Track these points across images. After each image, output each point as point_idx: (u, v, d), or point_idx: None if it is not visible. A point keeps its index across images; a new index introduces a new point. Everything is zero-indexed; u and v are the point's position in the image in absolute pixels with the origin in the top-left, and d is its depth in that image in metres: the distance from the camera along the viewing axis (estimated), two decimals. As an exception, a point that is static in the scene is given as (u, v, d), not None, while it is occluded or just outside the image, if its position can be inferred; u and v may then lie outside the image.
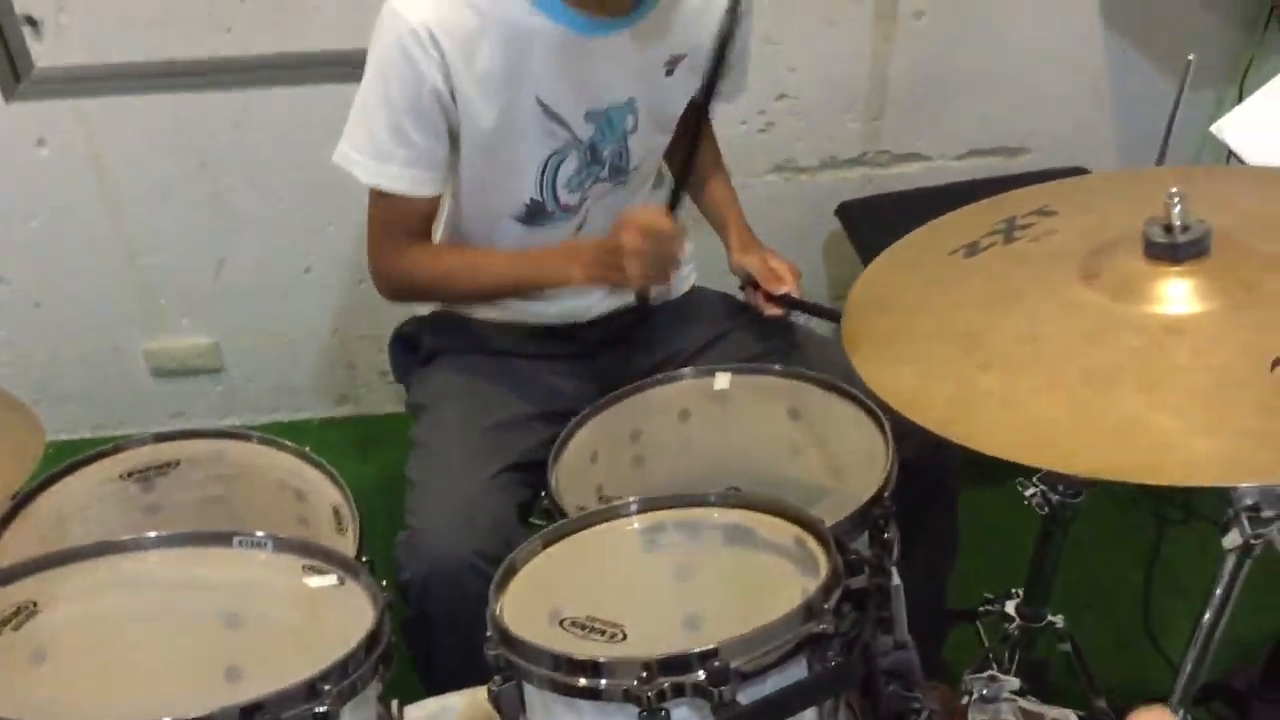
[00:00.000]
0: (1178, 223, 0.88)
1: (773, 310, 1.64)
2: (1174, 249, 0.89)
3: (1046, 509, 1.44)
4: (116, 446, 1.56)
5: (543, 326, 1.65)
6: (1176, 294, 0.89)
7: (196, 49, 2.02)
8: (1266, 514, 0.95)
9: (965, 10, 2.12)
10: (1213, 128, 1.47)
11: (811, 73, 2.17)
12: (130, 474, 1.56)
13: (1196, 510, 2.06)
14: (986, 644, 1.63)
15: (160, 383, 2.40)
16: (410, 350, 1.72)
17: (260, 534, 1.19)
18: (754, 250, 1.67)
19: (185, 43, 2.01)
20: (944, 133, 2.27)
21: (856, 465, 1.44)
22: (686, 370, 1.60)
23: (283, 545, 1.21)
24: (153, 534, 1.17)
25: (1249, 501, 0.96)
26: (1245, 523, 0.96)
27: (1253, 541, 0.97)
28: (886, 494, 1.36)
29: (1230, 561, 1.01)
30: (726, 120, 2.14)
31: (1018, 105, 2.24)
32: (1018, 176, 2.26)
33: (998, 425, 0.82)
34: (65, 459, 1.51)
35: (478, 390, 1.60)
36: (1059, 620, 1.53)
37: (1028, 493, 1.38)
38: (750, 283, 1.66)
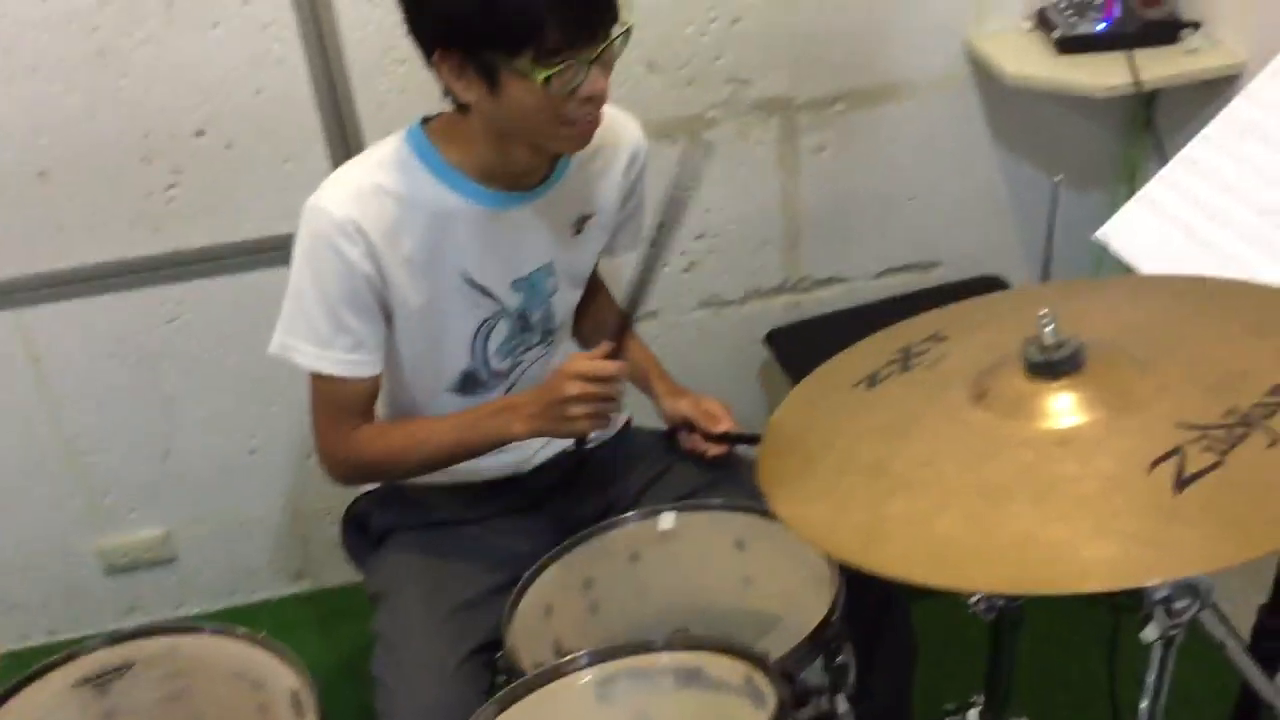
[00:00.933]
0: (1049, 342, 0.94)
1: (714, 450, 1.68)
2: (1051, 366, 0.95)
3: (992, 615, 1.47)
4: (68, 654, 1.55)
5: (485, 483, 1.67)
6: (1058, 408, 0.94)
7: (129, 250, 2.07)
8: (1179, 605, 0.99)
9: (861, 140, 2.23)
10: (1097, 234, 1.55)
11: (727, 211, 2.26)
12: (85, 680, 1.55)
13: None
14: (955, 755, 1.64)
15: (113, 579, 2.39)
16: (361, 532, 1.73)
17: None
18: (683, 394, 1.71)
19: (117, 245, 2.06)
20: (859, 254, 2.36)
21: (806, 590, 1.47)
22: (631, 514, 1.64)
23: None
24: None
25: (1160, 595, 1.00)
26: (1162, 615, 1.00)
27: (1170, 633, 1.00)
28: (834, 617, 1.39)
29: (1157, 652, 1.04)
30: (647, 263, 2.23)
31: (924, 222, 2.34)
32: (932, 290, 2.36)
33: (905, 550, 0.86)
34: (19, 670, 1.50)
35: (433, 570, 1.61)
36: (1024, 722, 1.54)
37: (971, 600, 1.41)
38: (684, 427, 1.71)
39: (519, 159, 1.47)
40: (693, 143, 1.59)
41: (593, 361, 1.41)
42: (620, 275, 2.00)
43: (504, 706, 1.24)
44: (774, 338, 2.29)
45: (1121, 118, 2.25)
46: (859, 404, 1.03)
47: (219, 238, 2.09)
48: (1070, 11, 2.08)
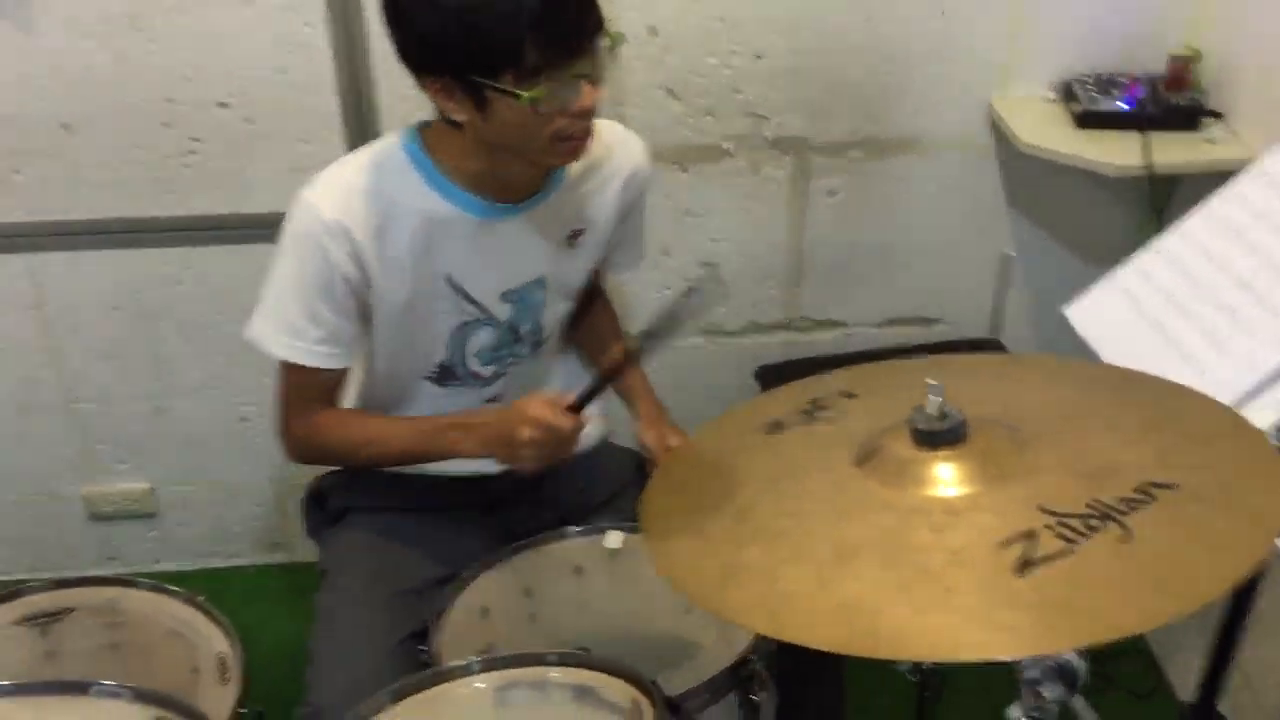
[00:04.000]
0: (933, 411, 0.95)
1: None
2: (931, 435, 0.95)
3: (918, 676, 1.46)
4: (13, 592, 1.60)
5: (449, 478, 1.68)
6: (930, 477, 0.94)
7: (141, 209, 2.13)
8: (1047, 694, 0.99)
9: (875, 189, 2.23)
10: (1064, 309, 1.54)
11: (732, 243, 2.27)
12: (26, 619, 1.60)
13: (1114, 679, 2.07)
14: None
15: (96, 526, 2.45)
16: (320, 508, 1.76)
17: (110, 684, 1.23)
18: (656, 425, 1.71)
19: (131, 203, 2.12)
20: (861, 301, 2.35)
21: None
22: (576, 528, 1.66)
23: (139, 695, 1.24)
24: (5, 682, 1.21)
25: (1030, 675, 1.00)
26: (1026, 697, 1.00)
27: (1034, 715, 1.00)
28: (753, 655, 1.40)
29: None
30: (651, 284, 2.25)
31: (929, 277, 2.33)
32: (929, 346, 2.35)
33: (750, 598, 0.87)
34: (9, 586, 1.56)
35: (381, 553, 1.63)
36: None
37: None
38: (653, 455, 1.71)
39: (512, 171, 1.48)
40: (708, 274, 1.58)
41: (553, 411, 1.41)
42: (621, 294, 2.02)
43: (399, 698, 1.26)
44: (763, 373, 2.29)
45: (1138, 198, 2.23)
46: (757, 448, 1.05)
47: (230, 208, 2.14)
48: (1094, 87, 2.07)
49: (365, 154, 1.51)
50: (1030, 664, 1.01)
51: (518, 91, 1.30)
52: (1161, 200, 2.15)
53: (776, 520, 0.94)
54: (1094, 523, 0.87)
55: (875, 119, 2.17)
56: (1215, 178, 1.92)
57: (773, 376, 2.29)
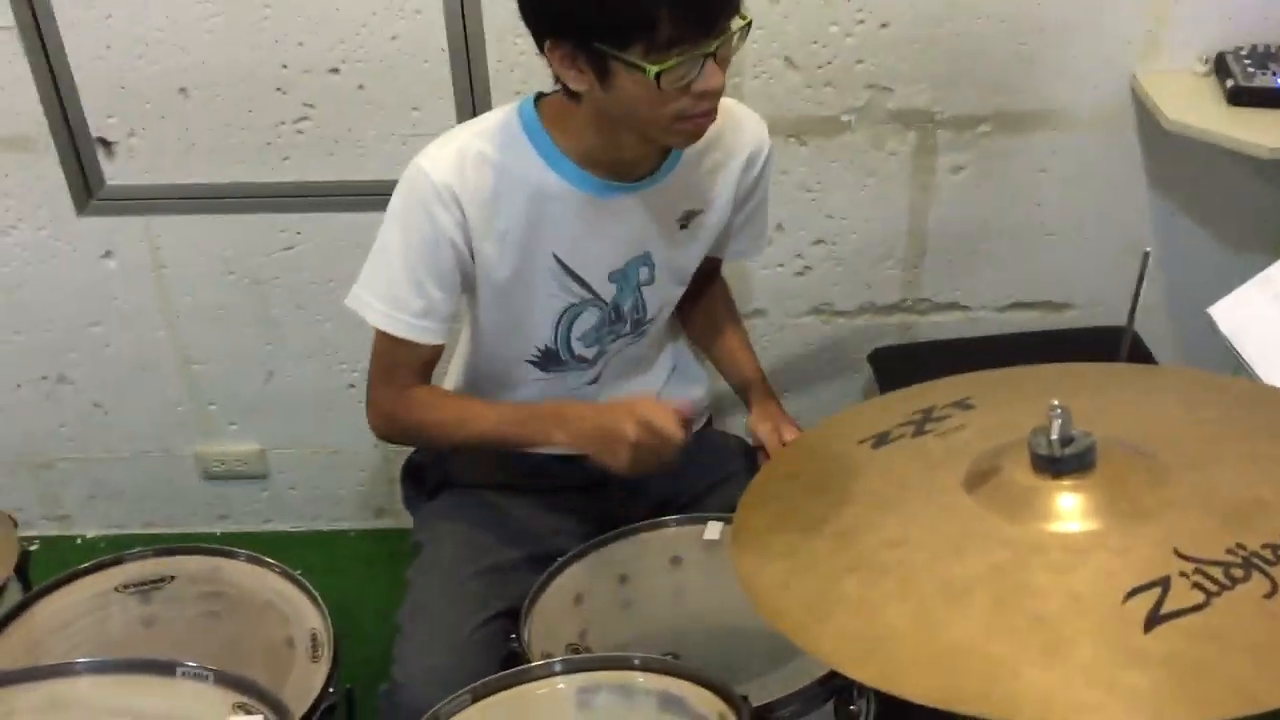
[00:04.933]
0: (1056, 436, 0.86)
1: None
2: (1054, 462, 0.87)
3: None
4: (116, 558, 1.63)
5: (547, 455, 1.65)
6: (1051, 510, 0.86)
7: (255, 174, 2.13)
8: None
9: (1004, 167, 2.11)
10: (1209, 310, 1.43)
11: (849, 220, 2.18)
12: (128, 585, 1.63)
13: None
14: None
15: (207, 485, 2.49)
16: (418, 482, 1.75)
17: (196, 665, 1.22)
18: (770, 418, 1.64)
19: (245, 168, 2.12)
20: (984, 284, 2.24)
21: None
22: (675, 517, 1.61)
23: (223, 680, 1.24)
24: (85, 660, 1.22)
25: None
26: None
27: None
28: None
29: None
30: (764, 261, 2.18)
31: (1060, 262, 2.20)
32: (1056, 334, 2.23)
33: (842, 634, 0.80)
34: (114, 553, 1.60)
35: (474, 531, 1.62)
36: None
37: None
38: (761, 447, 1.65)
39: (628, 149, 1.44)
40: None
41: (665, 417, 1.36)
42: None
43: (478, 698, 1.23)
44: (877, 357, 2.20)
45: (1297, 182, 2.07)
46: (859, 463, 0.97)
47: (342, 174, 2.12)
48: (1250, 61, 1.92)
49: (481, 122, 1.49)
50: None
51: (645, 65, 1.25)
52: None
53: (881, 550, 0.87)
54: (1236, 572, 0.78)
55: (1007, 92, 2.05)
56: (1383, 164, 1.78)
57: (888, 360, 2.20)
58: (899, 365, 2.17)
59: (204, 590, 1.64)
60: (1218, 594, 0.76)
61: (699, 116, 1.35)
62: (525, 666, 1.26)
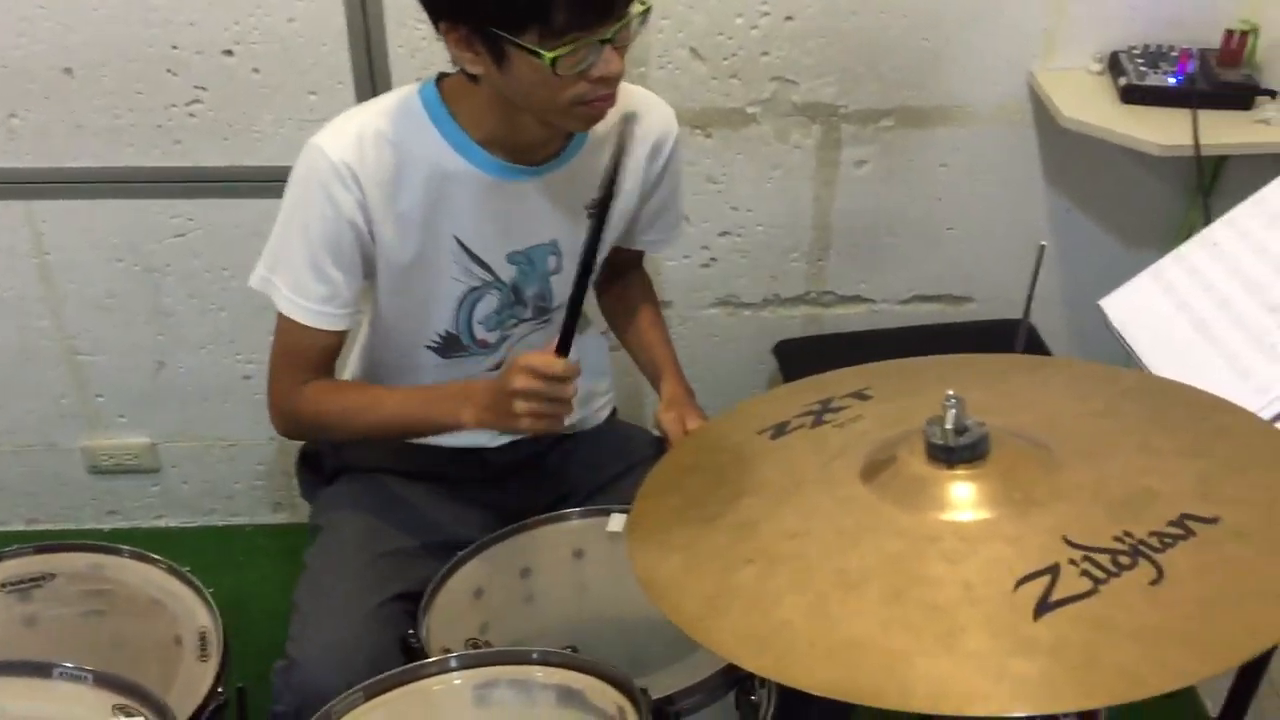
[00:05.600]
0: (950, 426, 0.87)
1: None
2: (948, 452, 0.87)
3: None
4: (-8, 557, 1.56)
5: (447, 449, 1.62)
6: (945, 499, 0.86)
7: (145, 159, 2.06)
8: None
9: (906, 162, 2.14)
10: (1100, 302, 1.46)
11: (754, 213, 2.19)
12: (5, 585, 1.56)
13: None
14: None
15: (96, 480, 2.41)
16: (315, 470, 1.71)
17: (73, 666, 1.18)
18: (675, 406, 1.60)
19: (134, 152, 2.05)
20: (887, 277, 2.27)
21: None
22: (577, 510, 1.60)
23: (102, 680, 1.20)
24: (-36, 661, 1.16)
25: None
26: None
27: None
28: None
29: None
30: (670, 253, 2.17)
31: (960, 255, 2.23)
32: (957, 326, 2.26)
33: (739, 628, 0.79)
34: None
35: (374, 515, 1.59)
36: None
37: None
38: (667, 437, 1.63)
39: (528, 131, 1.41)
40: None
41: (542, 356, 1.35)
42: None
43: (371, 695, 1.20)
44: (782, 349, 2.21)
45: (1184, 180, 2.13)
46: (757, 454, 0.97)
47: (236, 160, 2.07)
48: (1142, 60, 1.96)
49: (380, 102, 1.46)
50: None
51: (540, 50, 1.23)
52: (1209, 183, 2.04)
53: (778, 542, 0.86)
54: (1123, 560, 0.78)
55: (909, 87, 2.07)
56: (1267, 161, 1.83)
57: (792, 352, 2.21)
58: (804, 357, 2.18)
59: (87, 588, 1.59)
60: (1105, 581, 0.77)
61: (597, 101, 1.33)
62: (420, 662, 1.23)
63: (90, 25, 1.94)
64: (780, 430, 0.99)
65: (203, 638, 1.47)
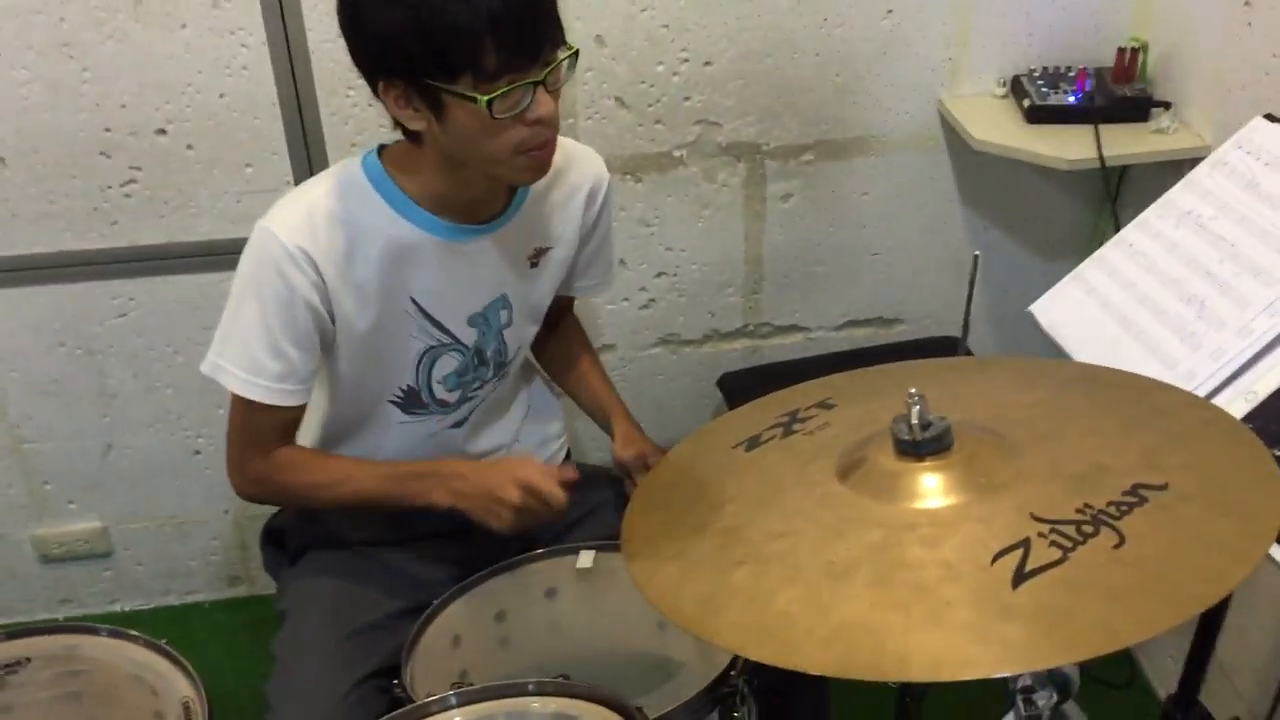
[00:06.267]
0: (915, 421, 0.93)
1: None
2: (916, 446, 0.93)
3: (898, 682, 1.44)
4: (-37, 646, 1.54)
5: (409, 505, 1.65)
6: (918, 489, 0.92)
7: (82, 242, 2.07)
8: (1038, 697, 0.97)
9: (829, 192, 2.22)
10: (1030, 308, 1.54)
11: (688, 251, 2.25)
12: (-22, 673, 1.54)
13: (1089, 669, 2.07)
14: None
15: (48, 568, 2.38)
16: (279, 547, 1.71)
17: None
18: (634, 444, 1.66)
19: (71, 236, 2.06)
20: (819, 305, 2.34)
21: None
22: (546, 549, 1.63)
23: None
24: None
25: (1022, 684, 0.98)
26: (1020, 704, 0.98)
27: (1029, 722, 0.98)
28: (734, 671, 1.37)
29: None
30: (610, 297, 2.23)
31: (887, 278, 2.32)
32: (891, 346, 2.34)
33: (740, 622, 0.84)
34: None
35: (340, 592, 1.59)
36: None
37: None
38: (627, 475, 1.68)
39: (475, 189, 1.45)
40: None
41: (547, 481, 1.39)
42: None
43: (367, 741, 1.22)
44: (726, 381, 2.27)
45: (1093, 191, 2.24)
46: (734, 466, 1.02)
47: (174, 236, 2.08)
48: (1043, 82, 2.07)
49: (324, 179, 1.47)
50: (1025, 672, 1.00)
51: (475, 95, 1.27)
52: (1115, 192, 2.15)
53: (766, 542, 0.91)
54: (1087, 528, 0.85)
55: (826, 122, 2.16)
56: (1166, 167, 1.95)
57: (736, 384, 2.27)
58: (747, 388, 2.24)
59: (61, 670, 1.57)
60: (1073, 549, 0.84)
61: (538, 148, 1.36)
62: (421, 703, 1.26)
63: (21, 114, 1.95)
64: (754, 443, 1.05)
65: (187, 708, 1.47)
